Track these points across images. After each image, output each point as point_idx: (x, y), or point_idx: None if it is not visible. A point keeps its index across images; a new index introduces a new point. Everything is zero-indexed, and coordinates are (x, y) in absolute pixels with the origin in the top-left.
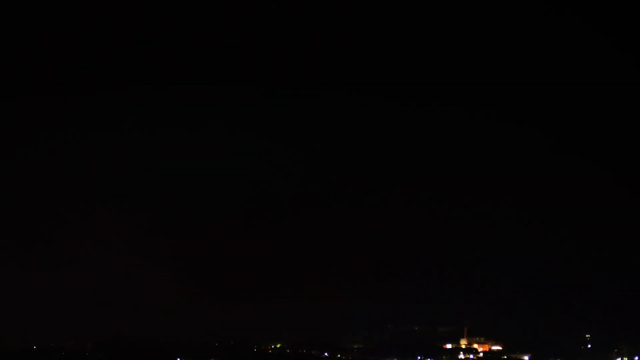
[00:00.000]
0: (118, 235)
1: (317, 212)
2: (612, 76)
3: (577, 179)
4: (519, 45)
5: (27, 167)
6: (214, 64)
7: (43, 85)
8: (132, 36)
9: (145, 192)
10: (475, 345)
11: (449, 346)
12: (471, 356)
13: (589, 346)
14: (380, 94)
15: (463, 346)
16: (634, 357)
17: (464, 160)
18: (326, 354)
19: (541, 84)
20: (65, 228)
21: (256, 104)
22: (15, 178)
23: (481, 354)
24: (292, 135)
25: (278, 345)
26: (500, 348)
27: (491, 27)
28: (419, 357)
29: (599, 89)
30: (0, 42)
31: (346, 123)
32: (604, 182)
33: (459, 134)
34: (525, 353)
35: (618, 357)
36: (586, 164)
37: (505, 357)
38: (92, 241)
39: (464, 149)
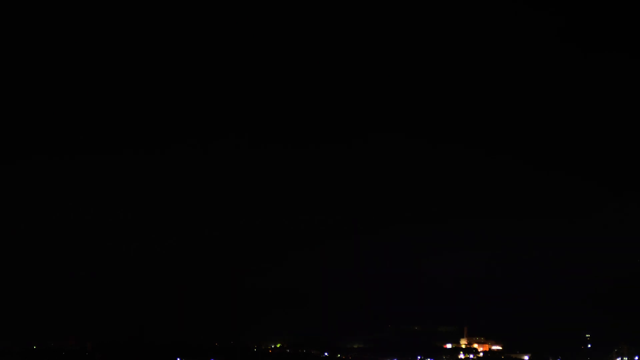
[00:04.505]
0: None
1: None
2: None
3: (576, 179)
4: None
5: None
6: None
7: None
8: None
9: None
10: (475, 345)
11: (449, 346)
12: (471, 356)
13: (589, 346)
14: None
15: (463, 346)
16: (634, 357)
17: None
18: (326, 353)
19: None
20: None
21: None
22: None
23: (481, 354)
24: None
25: (278, 345)
26: (500, 348)
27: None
28: (419, 357)
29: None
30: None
31: None
32: (604, 183)
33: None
34: (525, 353)
35: (618, 357)
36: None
37: (505, 357)
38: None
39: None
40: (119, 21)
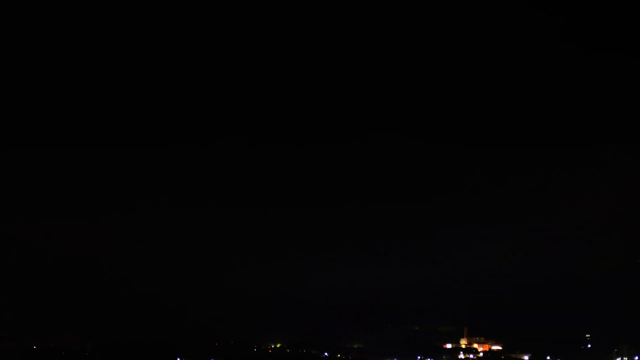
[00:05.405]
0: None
1: None
2: None
3: (576, 179)
4: None
5: None
6: None
7: None
8: None
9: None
10: (475, 345)
11: (449, 346)
12: (471, 356)
13: (589, 346)
14: None
15: (463, 346)
16: (634, 357)
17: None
18: (326, 353)
19: None
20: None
21: None
22: None
23: (481, 354)
24: None
25: (278, 345)
26: (500, 348)
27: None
28: (419, 357)
29: None
30: None
31: None
32: (604, 184)
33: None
34: (525, 353)
35: (618, 357)
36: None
37: (505, 357)
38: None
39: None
40: (119, 21)
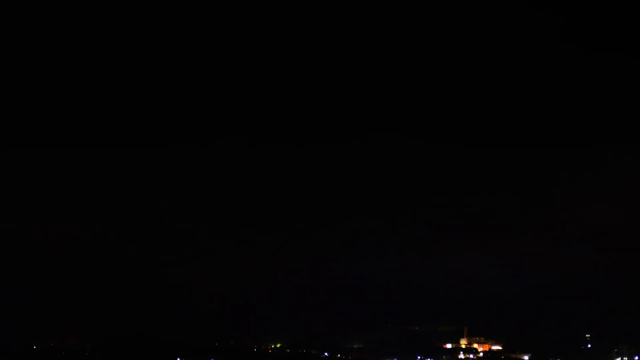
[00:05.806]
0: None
1: None
2: None
3: (576, 179)
4: None
5: None
6: None
7: None
8: None
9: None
10: (475, 345)
11: (449, 346)
12: (471, 356)
13: (589, 346)
14: None
15: (463, 346)
16: (634, 357)
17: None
18: (326, 353)
19: None
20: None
21: None
22: None
23: (481, 354)
24: None
25: (278, 345)
26: (500, 348)
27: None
28: (419, 357)
29: None
30: None
31: None
32: (605, 184)
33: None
34: (525, 353)
35: (618, 357)
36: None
37: (505, 357)
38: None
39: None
40: (119, 21)
